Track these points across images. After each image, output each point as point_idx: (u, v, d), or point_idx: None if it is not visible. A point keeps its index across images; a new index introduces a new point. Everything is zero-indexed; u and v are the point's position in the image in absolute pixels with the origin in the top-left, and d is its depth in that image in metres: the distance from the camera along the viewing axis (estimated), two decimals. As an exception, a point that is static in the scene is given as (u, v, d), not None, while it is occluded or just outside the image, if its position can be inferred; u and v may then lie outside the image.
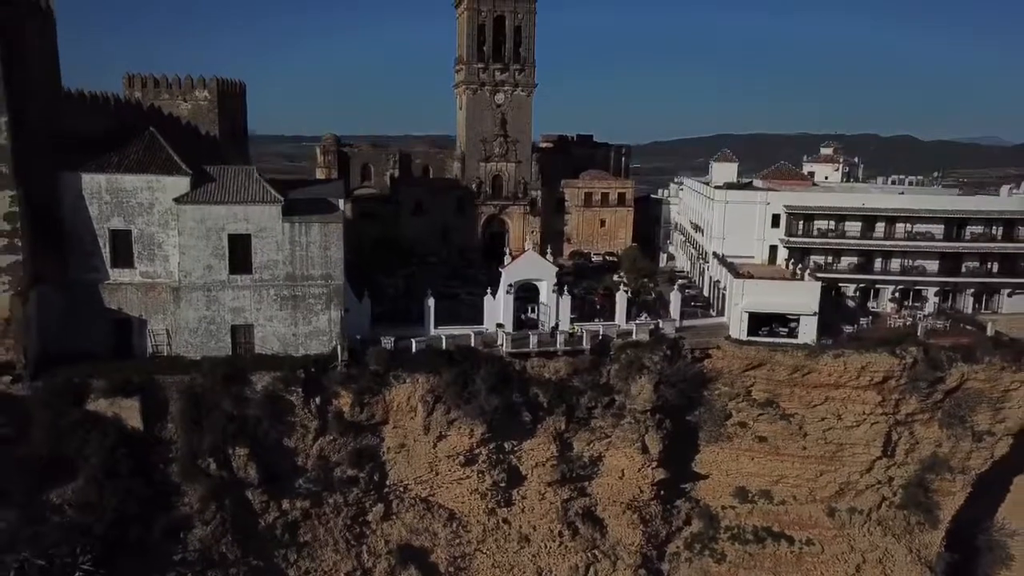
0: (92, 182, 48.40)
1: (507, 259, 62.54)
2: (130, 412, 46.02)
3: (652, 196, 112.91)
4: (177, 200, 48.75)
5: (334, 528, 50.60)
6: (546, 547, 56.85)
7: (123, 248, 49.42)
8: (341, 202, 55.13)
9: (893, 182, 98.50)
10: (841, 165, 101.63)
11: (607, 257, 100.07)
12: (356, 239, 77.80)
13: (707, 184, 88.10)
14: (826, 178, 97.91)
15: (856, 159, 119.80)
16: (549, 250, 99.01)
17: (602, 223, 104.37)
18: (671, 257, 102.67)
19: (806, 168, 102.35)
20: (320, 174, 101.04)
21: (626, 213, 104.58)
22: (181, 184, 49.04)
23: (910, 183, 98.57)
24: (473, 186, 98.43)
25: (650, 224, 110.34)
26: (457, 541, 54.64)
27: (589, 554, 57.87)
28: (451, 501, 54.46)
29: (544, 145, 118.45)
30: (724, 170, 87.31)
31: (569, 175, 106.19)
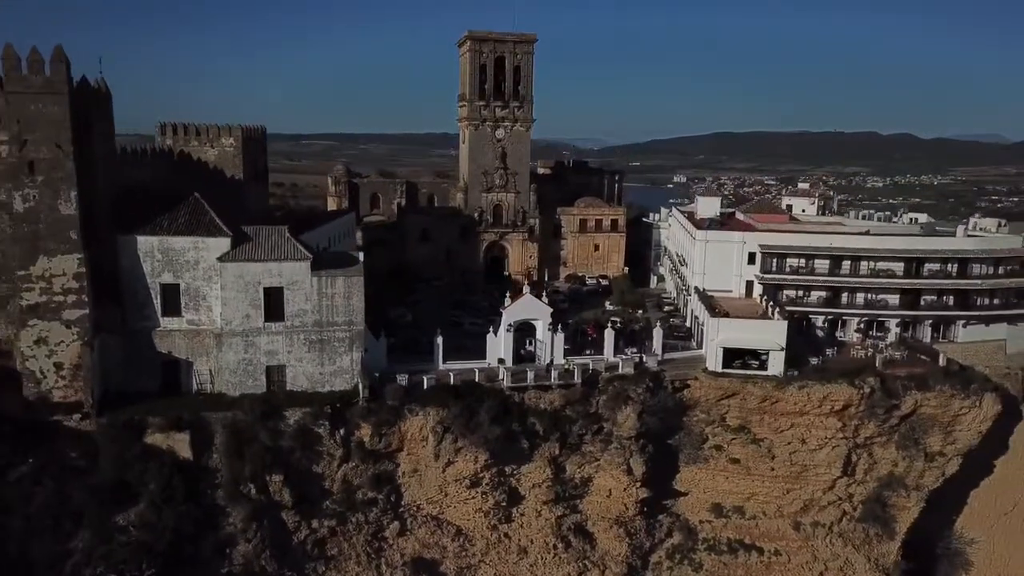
0: (146, 243, 55.97)
1: (507, 299, 69.51)
2: (181, 444, 53.59)
3: (644, 219, 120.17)
4: (220, 258, 56.29)
5: (356, 543, 58.29)
6: (542, 558, 64.54)
7: (172, 300, 56.98)
8: (361, 255, 62.69)
9: (864, 216, 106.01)
10: (817, 199, 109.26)
11: (600, 280, 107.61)
12: (368, 267, 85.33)
13: (692, 215, 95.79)
14: (803, 211, 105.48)
15: (832, 192, 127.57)
16: (547, 274, 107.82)
17: (596, 248, 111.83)
18: (661, 279, 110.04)
19: (785, 201, 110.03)
20: (332, 203, 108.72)
21: (619, 238, 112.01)
22: (223, 244, 56.59)
23: (878, 218, 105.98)
24: (475, 214, 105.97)
25: (642, 246, 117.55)
26: (464, 553, 62.38)
27: (580, 564, 65.57)
28: (458, 518, 62.12)
29: (542, 171, 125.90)
30: (708, 204, 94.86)
31: (565, 201, 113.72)
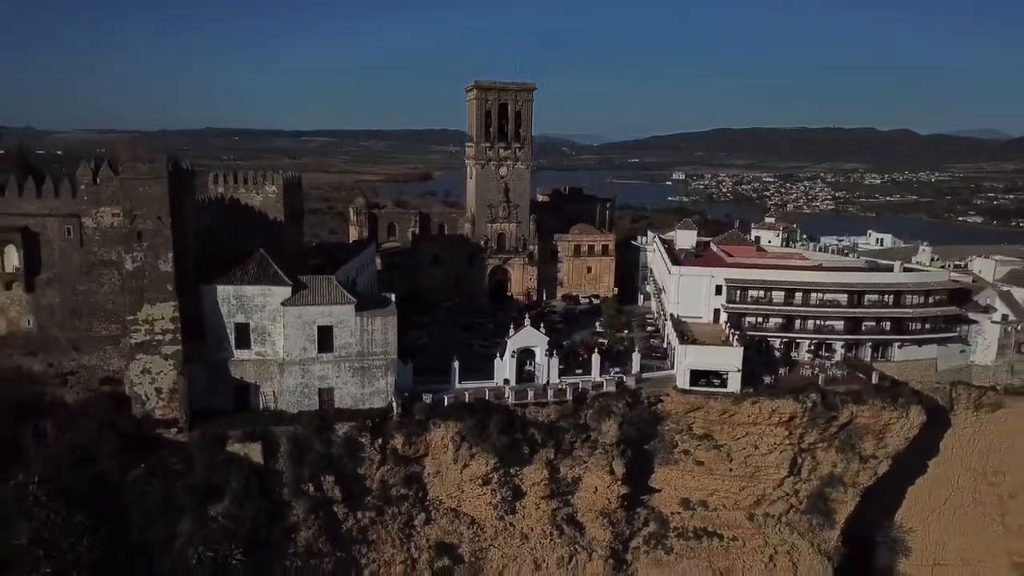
0: (224, 291, 71.15)
1: (511, 330, 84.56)
2: (255, 452, 68.87)
3: (632, 242, 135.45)
4: (283, 303, 71.49)
5: (392, 530, 73.76)
6: (540, 543, 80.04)
7: (243, 335, 72.10)
8: (392, 296, 77.94)
9: (821, 249, 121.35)
10: (781, 231, 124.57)
11: (593, 299, 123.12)
12: (387, 291, 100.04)
13: (671, 245, 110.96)
14: (769, 242, 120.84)
15: (795, 225, 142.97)
16: (544, 293, 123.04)
17: (589, 270, 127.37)
18: (647, 296, 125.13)
19: (754, 233, 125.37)
20: (353, 232, 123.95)
21: (609, 261, 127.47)
22: (285, 291, 71.77)
23: (833, 250, 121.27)
24: (481, 242, 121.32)
25: (630, 267, 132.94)
26: (477, 539, 77.91)
27: (572, 548, 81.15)
28: (472, 510, 77.54)
29: (541, 199, 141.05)
30: (685, 236, 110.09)
31: (562, 228, 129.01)
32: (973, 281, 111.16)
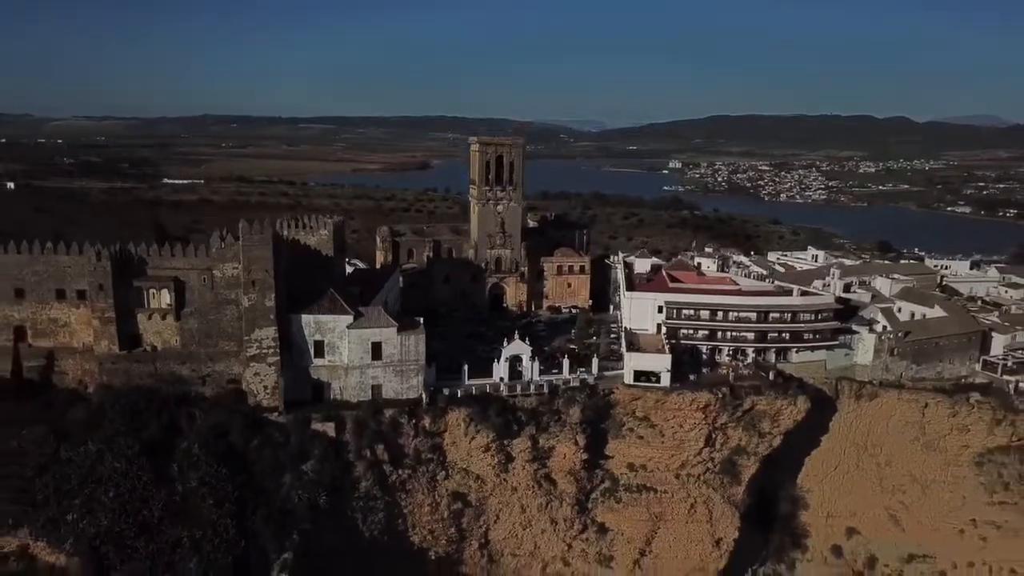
0: (306, 319, 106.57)
1: (505, 341, 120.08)
2: (330, 429, 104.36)
3: (606, 260, 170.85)
4: (348, 326, 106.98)
5: (422, 483, 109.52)
6: (525, 494, 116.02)
7: (319, 349, 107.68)
8: (421, 319, 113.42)
9: (748, 275, 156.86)
10: (717, 259, 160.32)
11: (572, 309, 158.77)
12: (407, 307, 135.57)
13: (631, 270, 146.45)
14: (708, 267, 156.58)
15: (729, 253, 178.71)
16: (533, 305, 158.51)
17: (569, 285, 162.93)
18: (617, 307, 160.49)
19: (696, 260, 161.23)
20: (379, 256, 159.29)
21: (585, 278, 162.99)
22: (348, 319, 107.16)
23: (759, 276, 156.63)
24: (482, 264, 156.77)
25: (604, 282, 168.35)
26: (481, 490, 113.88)
27: (548, 498, 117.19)
28: (478, 470, 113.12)
29: (532, 224, 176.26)
30: (642, 263, 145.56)
31: (548, 250, 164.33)
32: (873, 297, 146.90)
